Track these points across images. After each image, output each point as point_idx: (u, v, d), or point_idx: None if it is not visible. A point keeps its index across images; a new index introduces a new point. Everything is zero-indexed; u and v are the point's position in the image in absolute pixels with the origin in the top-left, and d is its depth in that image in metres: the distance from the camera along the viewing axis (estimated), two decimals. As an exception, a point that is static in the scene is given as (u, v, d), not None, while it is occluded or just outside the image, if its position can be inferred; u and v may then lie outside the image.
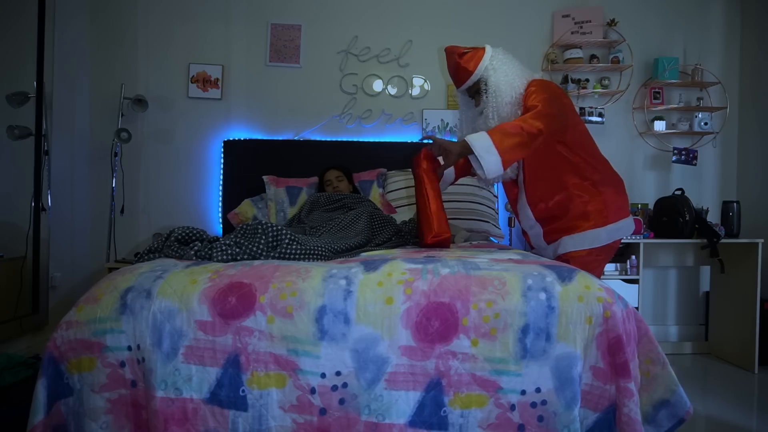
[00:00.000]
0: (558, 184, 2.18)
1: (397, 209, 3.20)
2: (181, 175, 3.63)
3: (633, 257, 3.29)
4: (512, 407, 1.43)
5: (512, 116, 2.14)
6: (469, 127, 2.31)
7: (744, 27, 3.78)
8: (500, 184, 3.71)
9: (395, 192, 3.29)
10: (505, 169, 2.00)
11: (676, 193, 3.43)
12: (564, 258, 2.20)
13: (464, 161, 2.38)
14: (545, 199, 2.22)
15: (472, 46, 2.31)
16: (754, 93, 3.68)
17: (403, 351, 1.43)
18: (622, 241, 3.25)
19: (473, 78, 2.22)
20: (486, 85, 2.20)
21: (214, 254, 1.77)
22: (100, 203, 3.56)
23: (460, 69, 2.23)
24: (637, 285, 3.25)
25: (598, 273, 2.26)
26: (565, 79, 3.68)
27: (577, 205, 2.17)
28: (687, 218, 3.28)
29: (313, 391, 1.42)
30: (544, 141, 2.04)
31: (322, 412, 1.42)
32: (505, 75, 2.19)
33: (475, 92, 2.24)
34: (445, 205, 3.23)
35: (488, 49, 2.24)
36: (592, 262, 2.19)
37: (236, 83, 3.66)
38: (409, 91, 3.72)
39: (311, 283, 1.51)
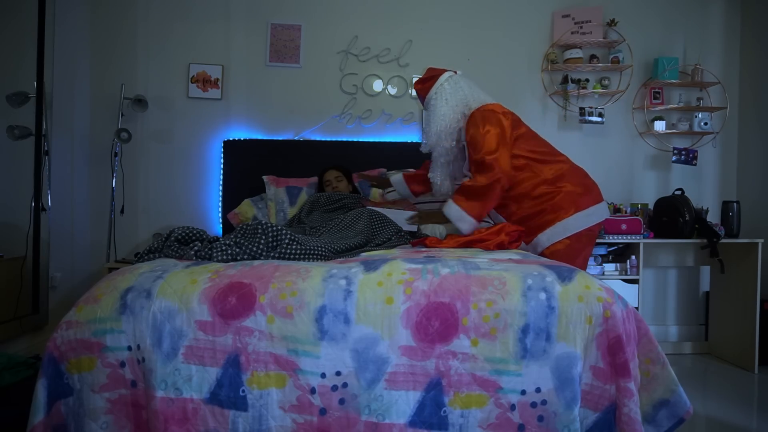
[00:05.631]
0: (517, 192, 2.37)
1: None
2: (181, 175, 3.63)
3: (633, 257, 3.29)
4: (512, 407, 1.43)
5: (440, 146, 2.45)
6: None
7: (744, 27, 3.78)
8: None
9: (395, 192, 3.28)
10: (480, 221, 2.35)
11: (676, 193, 3.43)
12: (541, 255, 2.33)
13: (423, 186, 2.84)
14: (509, 206, 2.43)
15: (441, 68, 2.57)
16: (754, 93, 3.68)
17: (403, 351, 1.43)
18: (622, 241, 3.26)
19: (425, 104, 2.56)
20: (427, 112, 2.52)
21: (214, 254, 1.77)
22: (100, 203, 3.55)
23: (419, 95, 2.59)
24: (637, 285, 3.24)
25: (581, 263, 2.39)
26: (565, 79, 3.68)
27: (543, 205, 2.35)
28: (687, 218, 3.27)
29: (313, 391, 1.42)
30: (507, 179, 2.31)
31: (322, 412, 1.42)
32: (441, 107, 2.45)
33: None
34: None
35: (441, 78, 2.50)
36: (570, 251, 2.32)
37: (236, 83, 3.66)
38: (409, 91, 3.71)
39: (311, 283, 1.51)
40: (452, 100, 2.43)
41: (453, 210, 2.34)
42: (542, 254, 2.35)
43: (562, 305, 1.46)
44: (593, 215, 2.36)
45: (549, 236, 2.34)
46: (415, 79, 2.69)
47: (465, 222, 2.32)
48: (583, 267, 2.44)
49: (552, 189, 2.34)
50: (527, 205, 2.36)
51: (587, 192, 2.38)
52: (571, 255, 2.31)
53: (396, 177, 2.90)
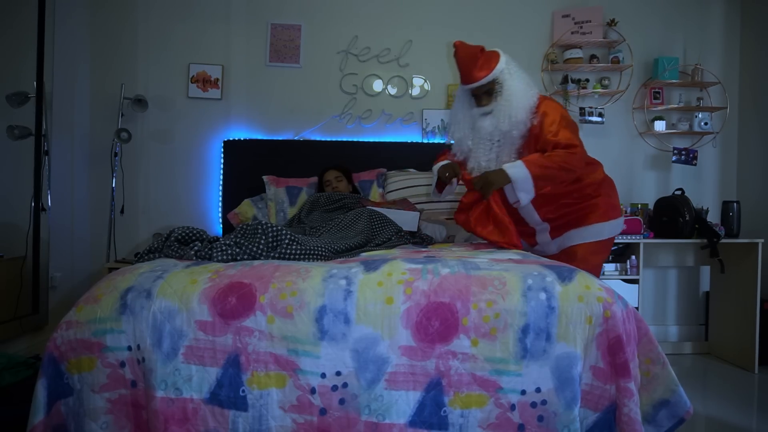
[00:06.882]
0: (563, 190, 2.31)
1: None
2: (181, 175, 3.63)
3: (633, 257, 3.29)
4: (512, 407, 1.43)
5: (523, 123, 2.23)
6: (466, 126, 2.34)
7: (744, 27, 3.78)
8: None
9: (395, 192, 3.29)
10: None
11: (676, 193, 3.43)
12: (570, 251, 2.34)
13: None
14: (552, 202, 2.33)
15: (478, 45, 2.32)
16: (754, 93, 3.68)
17: (403, 351, 1.43)
18: (622, 240, 3.27)
19: (489, 77, 2.24)
20: (501, 87, 2.24)
21: (214, 254, 1.77)
22: (100, 203, 3.55)
23: (481, 66, 2.23)
24: (637, 285, 3.25)
25: (599, 268, 2.44)
26: (565, 79, 3.68)
27: (583, 205, 2.34)
28: (687, 218, 3.28)
29: (313, 391, 1.42)
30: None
31: (323, 412, 1.42)
32: (520, 81, 2.26)
33: (485, 92, 2.27)
34: (447, 205, 3.26)
35: (501, 53, 2.30)
36: (594, 254, 2.36)
37: (236, 83, 3.65)
38: (409, 91, 3.72)
39: (311, 283, 1.51)
40: (522, 78, 2.30)
41: (521, 174, 2.16)
42: (566, 250, 2.37)
43: (562, 305, 1.46)
44: (618, 227, 2.44)
45: (582, 235, 2.36)
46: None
47: (529, 193, 2.19)
48: (598, 273, 2.46)
49: (594, 192, 2.37)
50: (570, 200, 2.35)
51: (617, 203, 2.47)
52: (595, 257, 2.37)
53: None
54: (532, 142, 2.27)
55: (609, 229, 2.38)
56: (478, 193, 2.26)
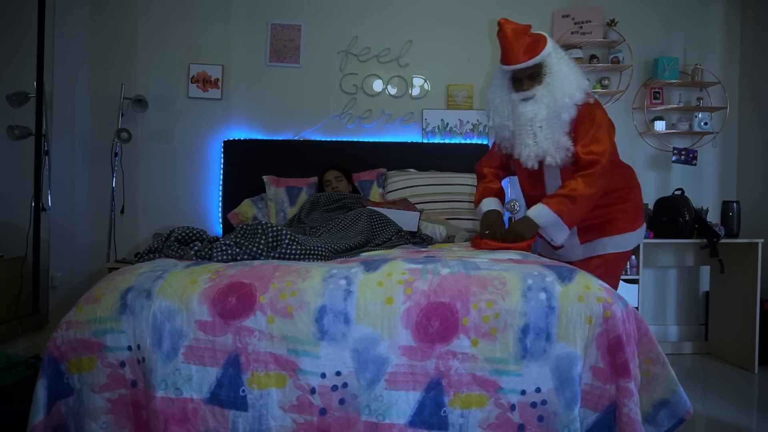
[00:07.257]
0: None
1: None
2: (181, 175, 3.63)
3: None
4: (512, 407, 1.43)
5: (574, 105, 2.09)
6: (505, 112, 2.20)
7: (744, 27, 3.78)
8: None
9: (395, 192, 3.29)
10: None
11: (676, 193, 3.43)
12: (601, 258, 2.26)
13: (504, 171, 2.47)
14: None
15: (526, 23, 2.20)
16: (754, 93, 3.68)
17: (403, 351, 1.43)
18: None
19: (535, 60, 2.10)
20: (548, 70, 2.11)
21: (214, 254, 1.77)
22: (100, 203, 3.55)
23: (528, 48, 2.10)
24: (637, 285, 3.24)
25: (619, 277, 2.36)
26: (565, 79, 3.67)
27: (614, 208, 2.24)
28: (687, 218, 3.28)
29: (313, 391, 1.42)
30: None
31: (322, 412, 1.42)
32: (568, 66, 2.14)
33: (528, 76, 2.13)
34: (446, 204, 3.26)
35: (548, 37, 2.18)
36: (620, 263, 2.30)
37: (236, 83, 3.66)
38: (409, 91, 3.72)
39: (311, 283, 1.51)
40: (570, 62, 2.16)
41: (555, 226, 2.07)
42: (600, 257, 2.27)
43: (562, 305, 1.46)
44: (642, 235, 2.36)
45: (613, 244, 2.25)
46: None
47: (563, 232, 2.09)
48: (618, 282, 2.37)
49: (627, 196, 2.26)
50: (608, 200, 2.22)
51: (642, 210, 2.36)
52: (619, 266, 2.32)
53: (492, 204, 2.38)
54: (581, 127, 2.13)
55: (635, 239, 2.31)
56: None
